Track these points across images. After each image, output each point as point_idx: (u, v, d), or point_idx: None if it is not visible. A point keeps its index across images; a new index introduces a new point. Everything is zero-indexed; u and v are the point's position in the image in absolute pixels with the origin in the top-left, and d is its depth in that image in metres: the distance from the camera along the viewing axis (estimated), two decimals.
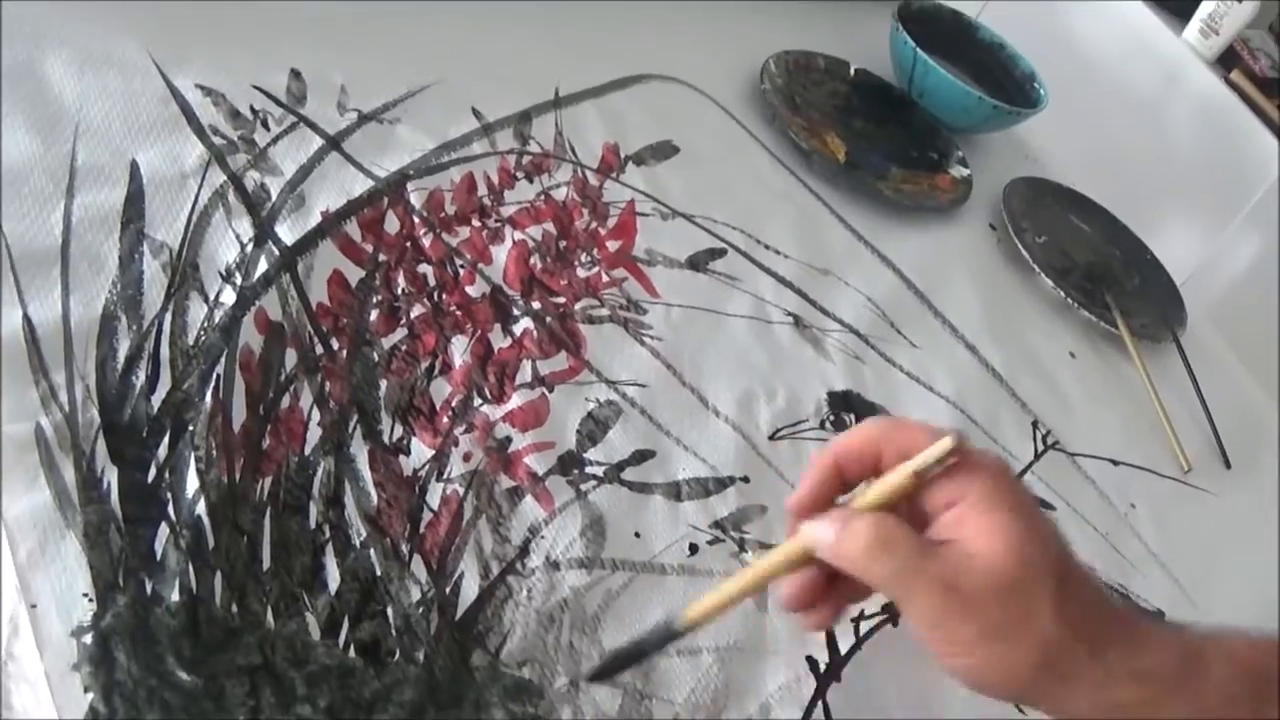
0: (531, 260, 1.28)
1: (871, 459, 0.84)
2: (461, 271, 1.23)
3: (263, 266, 1.13)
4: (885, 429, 0.83)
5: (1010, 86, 2.03)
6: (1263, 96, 2.80)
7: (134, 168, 1.15)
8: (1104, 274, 1.86)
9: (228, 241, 1.14)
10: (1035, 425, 1.51)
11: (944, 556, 0.77)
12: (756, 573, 0.86)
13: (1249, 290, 2.81)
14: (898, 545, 0.78)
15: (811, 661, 1.10)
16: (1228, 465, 1.66)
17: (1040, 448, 1.48)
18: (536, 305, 1.24)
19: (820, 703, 1.08)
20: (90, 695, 0.85)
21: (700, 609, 0.87)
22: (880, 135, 1.87)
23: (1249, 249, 2.87)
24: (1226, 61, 2.90)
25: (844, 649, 1.12)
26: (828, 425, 1.31)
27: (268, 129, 1.25)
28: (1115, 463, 1.53)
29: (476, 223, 1.28)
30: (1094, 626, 0.79)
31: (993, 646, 0.77)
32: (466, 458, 1.09)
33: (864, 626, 1.14)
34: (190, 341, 1.06)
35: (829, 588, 0.86)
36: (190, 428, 1.01)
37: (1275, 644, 0.82)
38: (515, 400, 1.15)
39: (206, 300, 1.09)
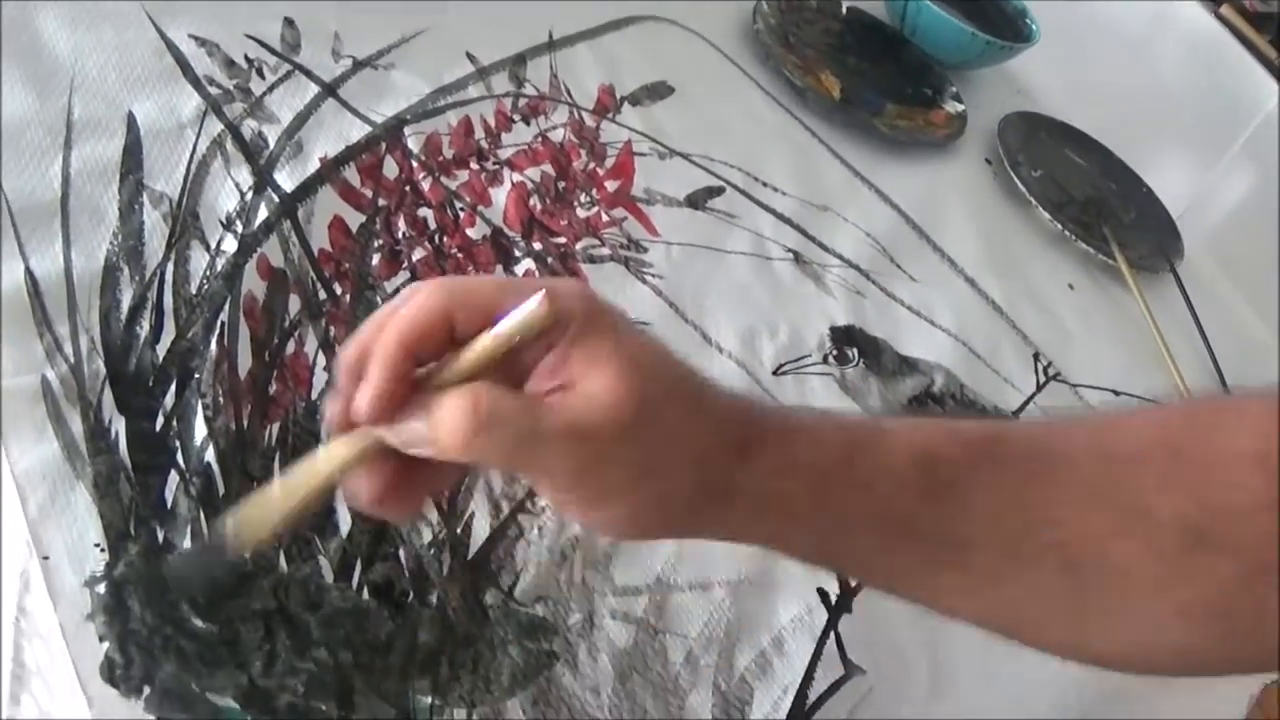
0: (531, 202, 1.28)
1: (445, 333, 0.67)
2: (461, 214, 1.23)
3: (263, 214, 1.13)
4: (450, 291, 0.67)
5: (1001, 22, 2.02)
6: (1253, 30, 2.79)
7: (130, 119, 1.14)
8: (1100, 207, 1.86)
9: (227, 190, 1.14)
10: (1036, 357, 1.51)
11: (561, 408, 0.65)
12: (315, 477, 0.69)
13: (1244, 223, 2.81)
14: (503, 414, 0.64)
15: (822, 593, 1.11)
16: (1226, 393, 1.67)
17: (1042, 379, 1.48)
18: (537, 246, 1.24)
19: (833, 633, 1.08)
20: (105, 645, 0.86)
21: (255, 530, 0.71)
22: (874, 72, 1.87)
23: (1243, 182, 2.86)
24: None
25: (854, 581, 1.12)
26: (831, 360, 1.31)
27: (263, 78, 1.24)
28: (1116, 393, 1.53)
29: (475, 166, 1.28)
30: (742, 429, 0.70)
31: (647, 483, 0.68)
32: None
33: None
34: (193, 290, 1.06)
35: (410, 475, 0.70)
36: (196, 376, 1.01)
37: (942, 422, 0.76)
38: None
39: (208, 249, 1.09)
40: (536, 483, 0.71)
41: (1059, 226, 1.72)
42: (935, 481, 0.72)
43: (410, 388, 0.66)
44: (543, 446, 0.64)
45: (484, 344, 0.65)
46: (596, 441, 0.65)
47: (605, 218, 1.31)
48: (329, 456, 0.69)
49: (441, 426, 0.64)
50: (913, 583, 0.77)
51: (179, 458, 0.96)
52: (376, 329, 0.67)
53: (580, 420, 0.64)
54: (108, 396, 0.97)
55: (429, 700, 0.92)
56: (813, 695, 1.05)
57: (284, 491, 0.70)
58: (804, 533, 0.73)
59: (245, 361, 1.04)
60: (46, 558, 0.89)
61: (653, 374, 0.66)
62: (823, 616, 1.09)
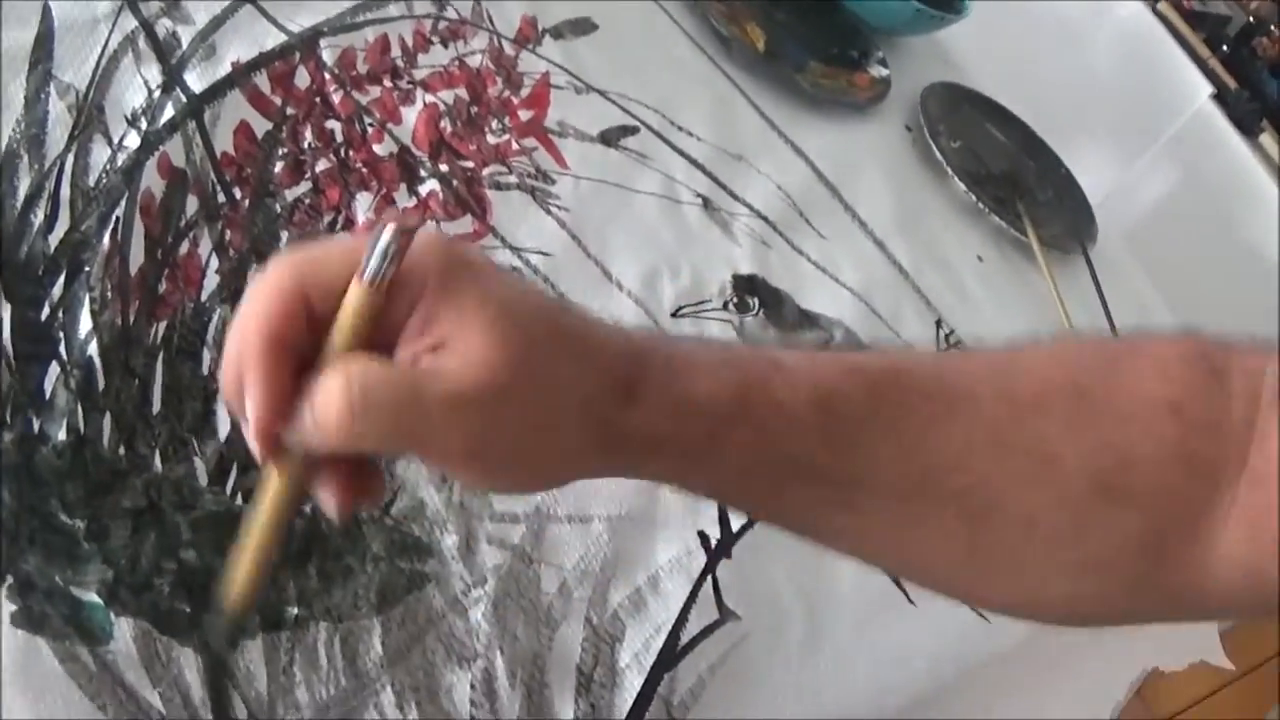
0: (442, 124, 1.27)
1: (303, 316, 0.62)
2: (370, 130, 1.22)
3: (169, 113, 1.12)
4: (296, 268, 0.63)
5: None
6: (1189, 29, 2.82)
7: (45, 9, 1.13)
8: (1017, 183, 1.87)
9: (135, 86, 1.13)
10: (939, 324, 1.52)
11: (438, 375, 0.61)
12: (269, 520, 0.66)
13: (1161, 215, 2.84)
14: (377, 392, 0.60)
15: (703, 536, 1.11)
16: None
17: (942, 345, 1.49)
18: (444, 168, 1.23)
19: (710, 577, 1.08)
20: None
21: (239, 588, 0.68)
22: (801, 28, 1.86)
23: (1165, 176, 2.89)
24: None
25: (736, 528, 1.13)
26: (730, 307, 1.31)
27: None
28: None
29: (388, 83, 1.27)
30: (626, 369, 0.67)
31: (543, 439, 0.66)
32: None
33: None
34: (91, 183, 1.05)
35: (363, 463, 0.67)
36: (86, 269, 1.00)
37: (841, 356, 0.74)
38: None
39: (110, 143, 1.08)
40: (434, 458, 0.67)
41: (973, 198, 1.73)
42: (833, 422, 0.70)
43: (294, 382, 0.62)
44: (425, 422, 0.61)
45: (348, 305, 0.61)
46: (479, 406, 0.61)
47: (516, 146, 1.30)
48: (270, 494, 0.65)
49: (320, 414, 0.60)
50: (808, 523, 0.76)
51: (61, 349, 0.95)
52: (239, 338, 0.62)
53: (459, 387, 0.61)
54: None
55: (293, 611, 0.91)
56: (685, 638, 1.05)
57: (251, 545, 0.67)
58: (696, 472, 0.71)
59: (138, 258, 1.03)
60: None
61: (527, 323, 0.63)
62: (701, 559, 1.09)
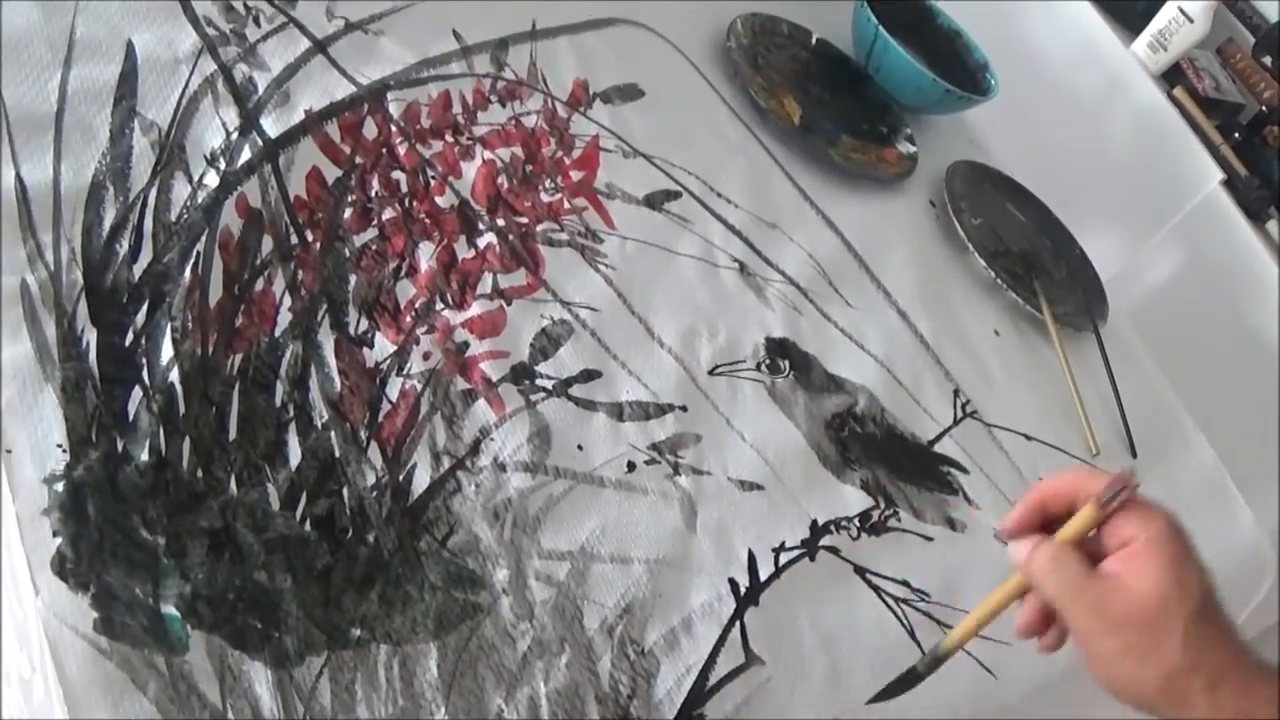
0: (499, 180, 1.32)
1: (1069, 499, 0.95)
2: (433, 182, 1.27)
3: (246, 155, 1.18)
4: (1080, 477, 0.95)
5: (963, 73, 2.07)
6: (1203, 115, 2.85)
7: (130, 47, 1.19)
8: (1034, 261, 1.91)
9: (214, 128, 1.18)
10: (956, 393, 1.56)
11: (1101, 585, 0.90)
12: (993, 601, 0.99)
13: (1168, 297, 2.87)
14: (1066, 569, 0.91)
15: (733, 584, 1.16)
16: (1134, 454, 1.72)
17: (959, 414, 1.53)
18: (501, 222, 1.29)
19: (738, 622, 1.13)
20: (59, 540, 0.90)
21: (956, 636, 1.02)
22: (834, 104, 1.92)
23: (1173, 258, 2.91)
24: (1171, 78, 2.94)
25: (764, 577, 1.18)
26: (763, 368, 1.36)
27: (259, 25, 1.29)
28: (1028, 438, 1.58)
29: (450, 138, 1.33)
30: (1213, 662, 0.88)
31: (1126, 664, 0.89)
32: (426, 356, 1.14)
33: (783, 558, 1.20)
34: (173, 218, 1.10)
35: (1048, 617, 0.97)
36: (168, 299, 1.05)
37: None
38: (475, 309, 1.20)
39: (191, 181, 1.13)
40: (1070, 628, 0.93)
41: (992, 274, 1.77)
42: None
43: (1035, 525, 0.97)
44: (1078, 603, 0.90)
45: (1082, 514, 0.93)
46: (1107, 618, 0.89)
47: (567, 205, 1.36)
48: (1006, 586, 0.98)
49: (1033, 558, 0.93)
50: None
51: (144, 374, 1.00)
52: (1036, 493, 0.97)
53: (1106, 600, 0.89)
54: (82, 307, 1.01)
55: (356, 633, 0.96)
56: (714, 678, 1.10)
57: (977, 612, 1.00)
58: None
59: (216, 292, 1.08)
60: (9, 451, 0.93)
61: (1168, 599, 0.87)
62: (731, 605, 1.14)
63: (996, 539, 1.02)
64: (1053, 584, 0.92)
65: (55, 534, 0.90)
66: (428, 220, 1.24)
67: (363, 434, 1.06)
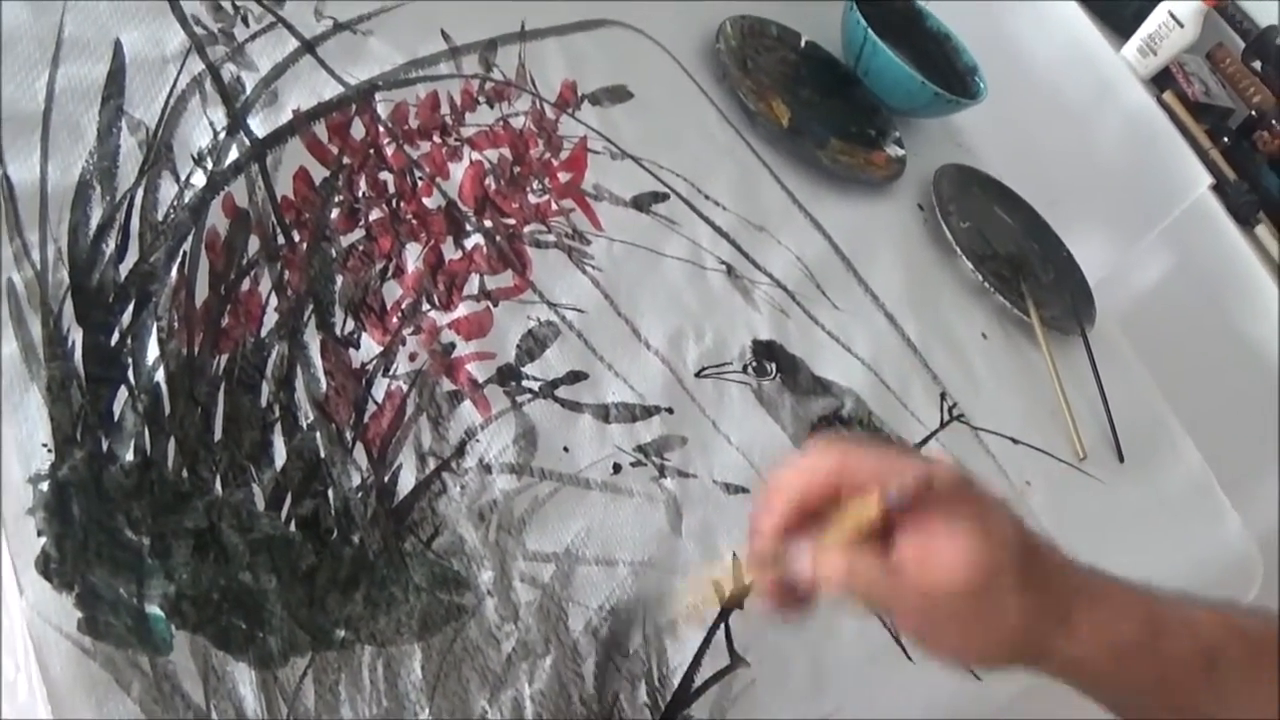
0: (486, 181, 1.32)
1: (831, 487, 0.88)
2: (420, 183, 1.27)
3: (233, 155, 1.18)
4: (842, 458, 0.88)
5: (952, 76, 2.07)
6: (1192, 120, 2.85)
7: (118, 46, 1.18)
8: (1022, 264, 1.91)
9: (202, 127, 1.18)
10: (943, 396, 1.56)
11: (912, 571, 0.84)
12: (737, 581, 1.03)
13: (1157, 302, 2.87)
14: (865, 575, 0.85)
15: (717, 586, 1.16)
16: (1120, 458, 1.72)
17: (946, 417, 1.53)
18: (488, 224, 1.29)
19: (723, 625, 1.14)
20: (43, 540, 0.90)
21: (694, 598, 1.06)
22: (823, 106, 1.92)
23: (1161, 263, 2.91)
24: (1161, 82, 2.94)
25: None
26: (750, 370, 1.36)
27: (247, 25, 1.28)
28: (1015, 441, 1.58)
29: (437, 139, 1.33)
30: (1059, 601, 0.86)
31: (972, 636, 0.85)
32: (412, 357, 1.14)
33: None
34: (160, 217, 1.10)
35: (792, 589, 0.91)
36: (154, 299, 1.05)
37: (1228, 616, 0.90)
38: (461, 310, 1.20)
39: (178, 180, 1.13)
40: (897, 624, 0.96)
41: (980, 278, 1.77)
42: (1217, 675, 0.87)
43: (798, 521, 0.88)
44: (897, 601, 0.85)
45: (864, 510, 0.85)
46: (936, 602, 0.84)
47: (554, 206, 1.36)
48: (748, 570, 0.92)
49: (822, 571, 0.86)
50: None
51: (130, 374, 1.00)
52: (785, 483, 0.89)
53: (926, 585, 0.83)
54: (68, 306, 1.01)
55: (341, 634, 0.97)
56: (699, 679, 1.10)
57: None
58: (1100, 691, 0.90)
59: (202, 292, 1.08)
60: None
61: (989, 562, 0.83)
62: (715, 608, 1.14)
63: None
64: (859, 593, 0.86)
65: (40, 533, 0.91)
66: (415, 221, 1.24)
67: (348, 435, 1.06)
